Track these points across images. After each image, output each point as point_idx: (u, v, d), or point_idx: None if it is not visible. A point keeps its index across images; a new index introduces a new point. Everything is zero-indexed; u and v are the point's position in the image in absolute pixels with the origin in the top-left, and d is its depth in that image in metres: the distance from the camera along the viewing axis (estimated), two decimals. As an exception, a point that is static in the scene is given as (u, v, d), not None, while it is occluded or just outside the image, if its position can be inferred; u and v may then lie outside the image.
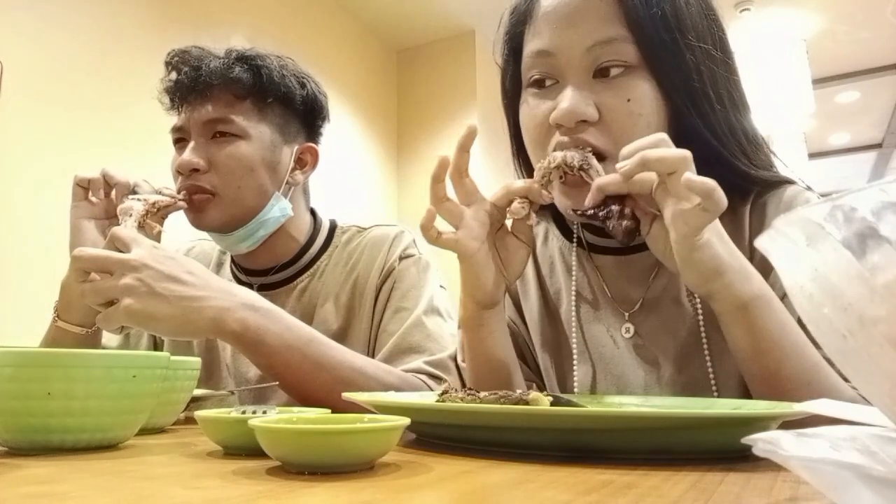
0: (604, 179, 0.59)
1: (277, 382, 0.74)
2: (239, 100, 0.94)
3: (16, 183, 1.94)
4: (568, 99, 0.64)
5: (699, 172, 0.54)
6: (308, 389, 0.73)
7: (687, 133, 0.66)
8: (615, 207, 0.61)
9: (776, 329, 0.56)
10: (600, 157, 0.64)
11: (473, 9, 3.49)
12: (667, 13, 0.64)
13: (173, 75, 0.96)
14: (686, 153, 0.55)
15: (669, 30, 0.64)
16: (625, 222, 0.60)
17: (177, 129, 0.96)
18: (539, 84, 0.68)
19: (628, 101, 0.64)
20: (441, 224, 0.66)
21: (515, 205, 0.65)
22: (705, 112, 0.66)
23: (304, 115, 1.02)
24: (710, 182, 0.52)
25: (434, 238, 0.65)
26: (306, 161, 1.02)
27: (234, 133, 0.93)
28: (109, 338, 1.03)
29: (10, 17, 1.97)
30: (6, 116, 1.94)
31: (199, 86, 0.92)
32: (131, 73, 2.27)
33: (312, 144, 1.03)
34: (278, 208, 0.96)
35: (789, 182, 0.71)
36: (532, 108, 0.69)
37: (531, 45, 0.69)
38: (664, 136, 0.57)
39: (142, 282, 0.67)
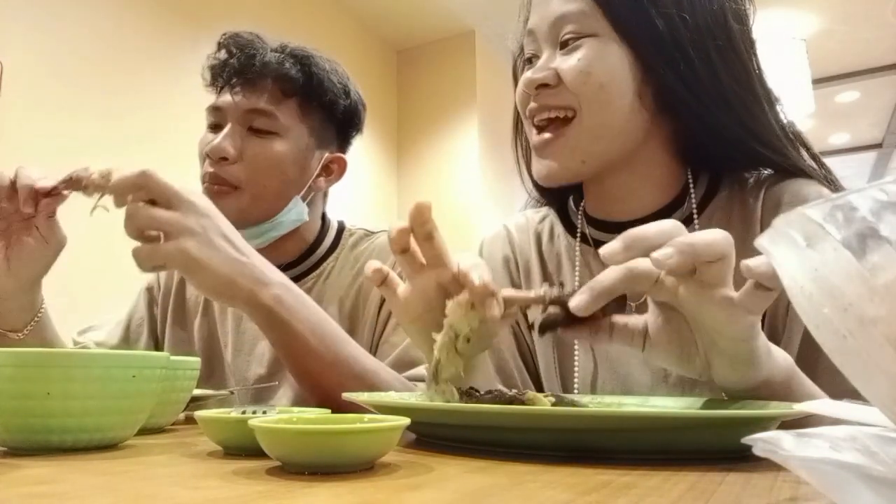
0: (603, 282, 0.47)
1: (276, 383, 0.73)
2: (286, 96, 0.93)
3: (16, 183, 1.94)
4: (531, 70, 0.71)
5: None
6: (319, 379, 0.71)
7: (671, 99, 0.68)
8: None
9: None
10: (566, 113, 0.69)
11: (473, 9, 3.50)
12: None
13: (223, 54, 0.95)
14: (721, 232, 0.44)
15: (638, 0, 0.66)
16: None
17: (215, 109, 0.95)
18: (529, 62, 0.75)
19: (578, 60, 0.68)
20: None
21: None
22: (686, 75, 0.66)
23: (341, 123, 1.01)
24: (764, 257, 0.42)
25: (381, 278, 0.58)
26: (333, 170, 1.02)
27: (273, 130, 0.92)
28: (107, 337, 1.03)
29: (10, 18, 1.98)
30: (6, 117, 1.94)
31: (249, 72, 0.91)
32: (131, 73, 2.27)
33: (342, 155, 1.03)
34: (295, 212, 0.95)
35: (803, 173, 0.71)
36: (519, 82, 0.75)
37: (526, 28, 0.75)
38: (674, 222, 0.47)
39: (204, 229, 0.65)
